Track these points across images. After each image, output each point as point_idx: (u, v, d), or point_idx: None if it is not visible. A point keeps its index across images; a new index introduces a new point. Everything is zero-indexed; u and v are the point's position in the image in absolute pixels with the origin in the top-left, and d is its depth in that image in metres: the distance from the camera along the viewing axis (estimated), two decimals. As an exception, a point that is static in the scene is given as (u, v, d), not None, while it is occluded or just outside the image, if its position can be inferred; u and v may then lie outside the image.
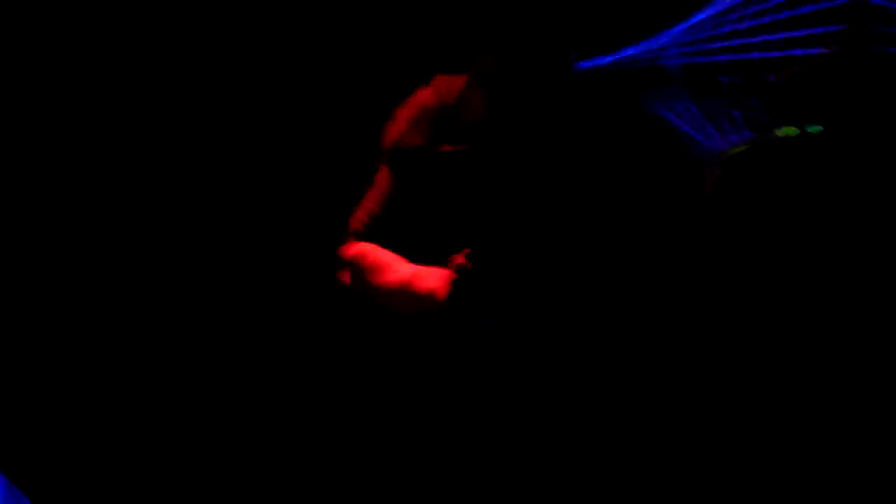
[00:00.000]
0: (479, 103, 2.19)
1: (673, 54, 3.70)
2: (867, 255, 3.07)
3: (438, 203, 2.17)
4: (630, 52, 3.80)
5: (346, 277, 2.21)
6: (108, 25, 3.82)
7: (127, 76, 3.90)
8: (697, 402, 2.53)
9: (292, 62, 3.86)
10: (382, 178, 2.25)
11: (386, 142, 2.25)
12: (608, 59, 3.61)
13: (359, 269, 2.20)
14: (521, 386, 2.16)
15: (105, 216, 3.85)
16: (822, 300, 2.96)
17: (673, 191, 2.23)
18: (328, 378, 3.61)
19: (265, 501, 3.74)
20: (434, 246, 2.15)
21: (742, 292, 3.03)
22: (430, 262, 2.13)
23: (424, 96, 2.24)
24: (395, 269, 2.16)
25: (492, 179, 2.09)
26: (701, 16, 3.69)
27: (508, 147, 2.09)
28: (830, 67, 2.95)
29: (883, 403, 3.02)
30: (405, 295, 2.10)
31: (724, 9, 3.64)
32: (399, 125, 2.24)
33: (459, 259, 2.01)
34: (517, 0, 2.11)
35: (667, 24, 3.66)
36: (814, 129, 2.77)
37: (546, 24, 2.15)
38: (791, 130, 2.50)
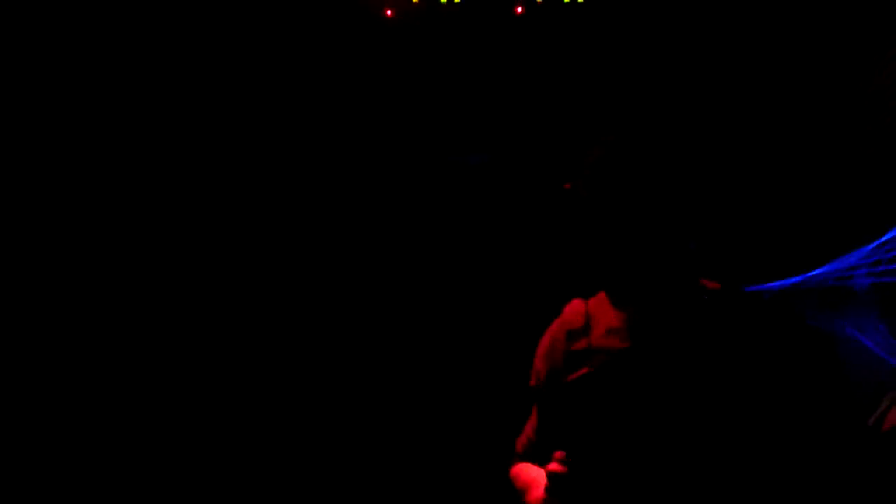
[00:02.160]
0: (606, 323, 2.21)
1: (862, 273, 3.74)
2: None
3: (578, 428, 2.27)
4: (818, 272, 3.86)
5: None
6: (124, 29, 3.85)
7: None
8: None
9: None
10: (534, 409, 2.39)
11: (531, 378, 2.39)
12: (786, 281, 3.69)
13: (515, 486, 2.36)
14: None
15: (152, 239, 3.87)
16: None
17: (828, 428, 2.20)
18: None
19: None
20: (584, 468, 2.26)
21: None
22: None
23: (554, 327, 2.33)
24: (534, 486, 2.30)
25: (621, 401, 2.17)
26: (891, 233, 3.73)
27: (635, 367, 2.16)
28: None
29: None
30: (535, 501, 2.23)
31: (914, 226, 3.67)
32: (537, 360, 2.36)
33: (552, 466, 2.10)
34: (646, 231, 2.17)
35: (852, 244, 3.71)
36: None
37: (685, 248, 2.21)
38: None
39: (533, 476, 2.26)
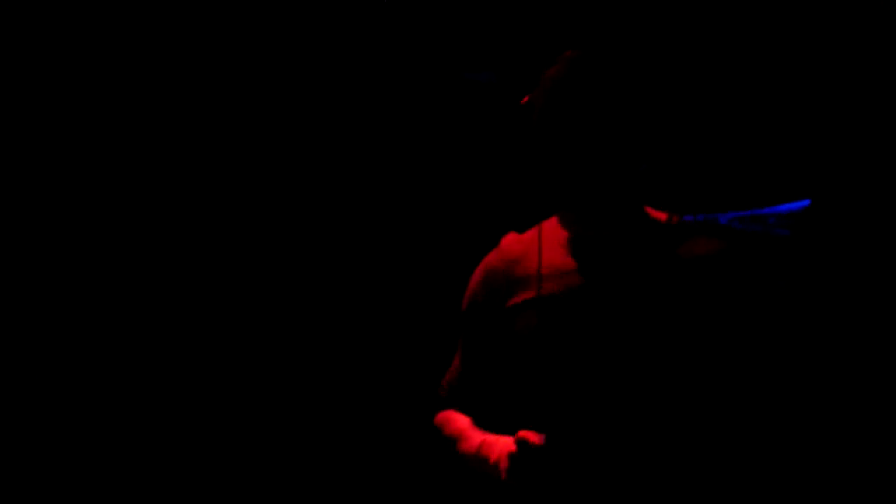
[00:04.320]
0: (551, 249, 2.15)
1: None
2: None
3: (512, 364, 2.19)
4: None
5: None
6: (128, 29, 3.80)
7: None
8: None
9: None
10: (460, 344, 2.30)
11: (462, 309, 2.24)
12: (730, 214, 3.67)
13: (440, 437, 2.24)
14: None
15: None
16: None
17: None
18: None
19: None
20: (513, 410, 2.17)
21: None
22: (510, 426, 2.12)
23: (491, 257, 2.25)
24: (467, 437, 2.13)
25: (566, 335, 2.08)
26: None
27: (584, 299, 2.07)
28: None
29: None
30: (477, 463, 2.11)
31: None
32: (471, 286, 2.23)
33: (523, 433, 1.93)
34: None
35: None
36: None
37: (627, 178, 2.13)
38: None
39: (466, 426, 2.16)
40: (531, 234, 2.21)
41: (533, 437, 1.94)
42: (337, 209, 3.90)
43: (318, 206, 3.90)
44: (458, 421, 2.22)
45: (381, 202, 3.90)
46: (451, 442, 2.20)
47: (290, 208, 3.89)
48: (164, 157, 3.78)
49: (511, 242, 2.24)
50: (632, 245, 2.11)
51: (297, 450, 3.73)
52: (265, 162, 3.88)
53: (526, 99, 2.16)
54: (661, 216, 2.17)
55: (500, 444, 2.04)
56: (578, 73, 2.08)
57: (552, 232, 2.18)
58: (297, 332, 3.81)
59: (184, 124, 3.81)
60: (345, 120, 3.95)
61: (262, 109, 3.89)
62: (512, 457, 1.96)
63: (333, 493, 3.71)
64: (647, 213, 2.17)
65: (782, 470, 2.17)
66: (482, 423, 2.19)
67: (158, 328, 3.71)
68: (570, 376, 2.07)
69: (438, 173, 3.93)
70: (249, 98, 3.89)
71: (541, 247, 2.15)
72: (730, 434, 2.07)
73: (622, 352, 2.05)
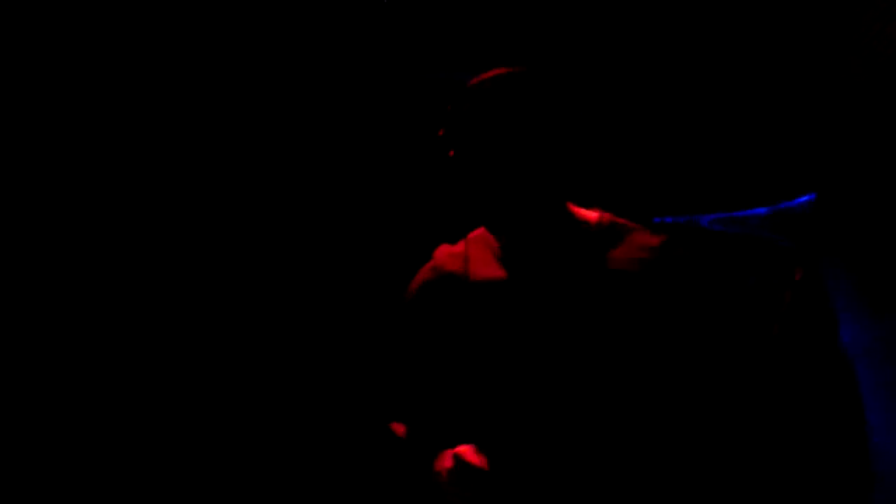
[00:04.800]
0: (481, 260, 2.14)
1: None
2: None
3: (460, 373, 2.12)
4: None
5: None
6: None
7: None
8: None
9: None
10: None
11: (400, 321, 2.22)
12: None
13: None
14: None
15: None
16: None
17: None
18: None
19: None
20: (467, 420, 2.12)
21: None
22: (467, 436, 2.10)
23: (426, 270, 2.22)
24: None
25: (497, 346, 2.06)
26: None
27: (525, 308, 2.05)
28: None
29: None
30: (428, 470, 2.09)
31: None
32: (406, 304, 2.21)
33: (459, 449, 1.96)
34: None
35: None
36: None
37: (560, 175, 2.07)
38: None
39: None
40: (461, 246, 2.22)
41: (468, 453, 1.99)
42: (300, 211, 3.88)
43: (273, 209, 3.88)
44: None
45: (362, 201, 3.88)
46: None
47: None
48: (145, 162, 3.77)
49: (444, 255, 2.23)
50: (558, 253, 2.10)
51: (292, 449, 3.74)
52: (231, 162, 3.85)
53: (441, 132, 2.13)
54: (592, 216, 2.16)
55: (445, 458, 2.06)
56: (483, 98, 2.07)
57: (480, 243, 2.19)
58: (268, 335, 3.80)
59: (156, 128, 3.79)
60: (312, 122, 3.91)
61: (233, 110, 3.85)
62: (448, 471, 2.01)
63: (333, 492, 3.71)
64: (572, 213, 2.14)
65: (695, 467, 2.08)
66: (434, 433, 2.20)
67: (157, 328, 3.71)
68: (503, 386, 2.09)
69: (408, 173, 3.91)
70: (226, 98, 3.86)
71: (468, 259, 2.17)
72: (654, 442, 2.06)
73: (552, 362, 2.06)
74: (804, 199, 3.56)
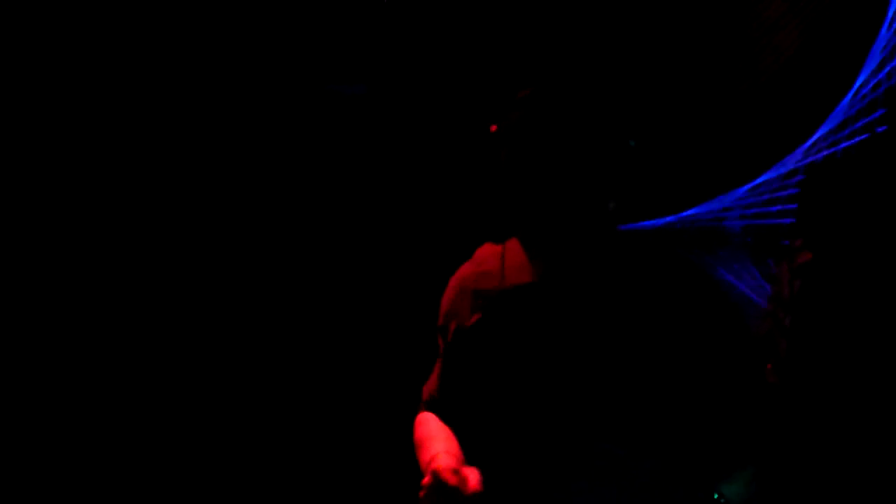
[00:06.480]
0: (521, 265, 2.23)
1: (734, 216, 3.73)
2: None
3: (483, 374, 2.20)
4: (691, 212, 3.84)
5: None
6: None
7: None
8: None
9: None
10: (441, 353, 2.34)
11: (439, 320, 2.34)
12: (665, 219, 3.67)
13: (414, 436, 2.28)
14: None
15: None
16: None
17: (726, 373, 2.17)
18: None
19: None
20: (484, 422, 2.21)
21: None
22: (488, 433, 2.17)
23: (464, 270, 2.26)
24: (427, 447, 2.21)
25: (529, 348, 2.12)
26: (764, 177, 3.73)
27: (550, 312, 2.12)
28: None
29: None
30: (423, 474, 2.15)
31: (787, 171, 3.67)
32: (444, 302, 2.25)
33: (435, 466, 1.98)
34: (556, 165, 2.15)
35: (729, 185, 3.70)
36: None
37: (588, 182, 2.18)
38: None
39: (432, 433, 2.17)
40: (501, 247, 2.23)
41: (446, 472, 1.98)
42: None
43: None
44: (429, 426, 2.23)
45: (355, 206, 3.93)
46: (416, 445, 2.21)
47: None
48: (129, 169, 3.79)
49: (485, 255, 2.25)
50: (590, 266, 2.14)
51: (290, 449, 3.73)
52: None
53: (494, 128, 2.18)
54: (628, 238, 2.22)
55: (435, 465, 2.07)
56: (536, 115, 2.13)
57: (519, 248, 2.20)
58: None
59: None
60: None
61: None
62: (427, 486, 2.01)
63: (331, 492, 3.70)
64: (617, 232, 2.21)
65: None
66: (460, 432, 2.20)
67: (155, 328, 3.72)
68: (522, 395, 2.09)
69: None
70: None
71: (504, 264, 2.20)
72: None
73: (574, 369, 2.06)
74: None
